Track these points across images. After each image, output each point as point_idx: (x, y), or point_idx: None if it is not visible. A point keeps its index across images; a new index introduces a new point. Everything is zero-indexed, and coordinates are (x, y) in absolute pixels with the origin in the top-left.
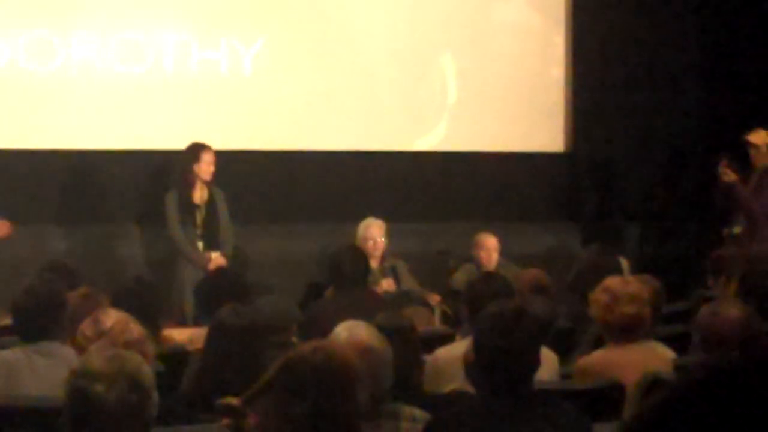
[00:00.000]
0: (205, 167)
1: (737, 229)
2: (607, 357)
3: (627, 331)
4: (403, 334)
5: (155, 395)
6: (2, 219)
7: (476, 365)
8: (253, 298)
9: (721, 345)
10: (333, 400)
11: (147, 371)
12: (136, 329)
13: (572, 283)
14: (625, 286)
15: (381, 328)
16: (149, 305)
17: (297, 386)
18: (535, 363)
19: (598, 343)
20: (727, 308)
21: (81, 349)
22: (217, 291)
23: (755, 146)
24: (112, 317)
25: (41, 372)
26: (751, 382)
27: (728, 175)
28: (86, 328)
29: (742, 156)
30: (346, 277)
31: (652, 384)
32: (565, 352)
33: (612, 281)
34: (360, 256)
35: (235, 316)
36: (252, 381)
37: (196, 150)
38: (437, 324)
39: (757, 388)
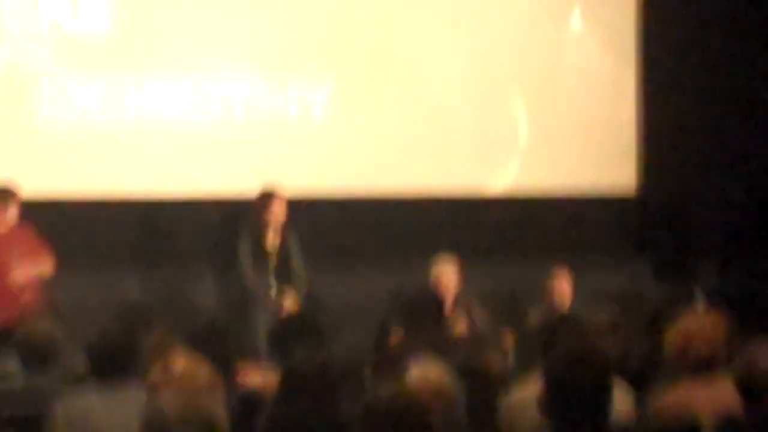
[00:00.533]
0: (276, 213)
1: None
2: (681, 395)
3: (702, 369)
4: (478, 376)
5: None
6: (48, 256)
7: (549, 405)
8: (326, 342)
9: (757, 390)
10: None
11: (221, 415)
12: (205, 373)
13: (646, 321)
14: (700, 324)
15: (456, 370)
16: (223, 348)
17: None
18: (608, 402)
19: (673, 382)
20: (763, 354)
21: (152, 392)
22: (290, 335)
23: None
24: (182, 360)
25: (117, 415)
26: None
27: None
28: (156, 371)
29: None
30: (419, 319)
31: (727, 424)
32: (640, 392)
33: (687, 319)
34: (433, 297)
35: (308, 360)
36: (326, 424)
37: (267, 197)
38: (512, 366)
39: None
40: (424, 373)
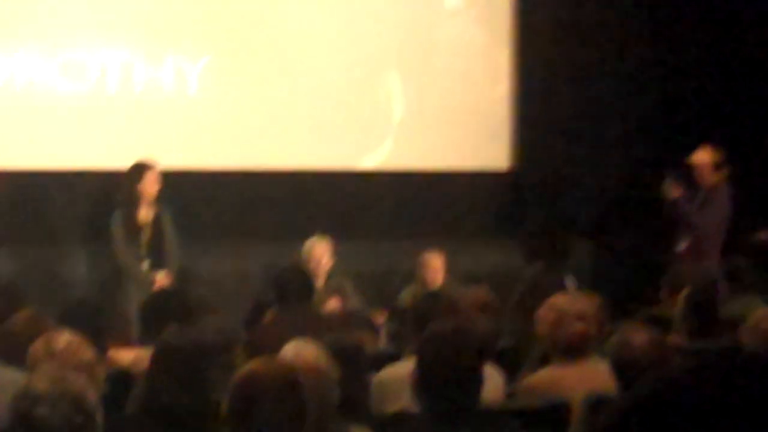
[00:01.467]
0: (149, 186)
1: (680, 247)
2: (552, 375)
3: (573, 349)
4: (350, 353)
5: (100, 417)
6: None
7: (420, 384)
8: (197, 318)
9: (631, 370)
10: (284, 418)
11: (91, 393)
12: (87, 351)
13: (517, 301)
14: (571, 303)
15: (328, 348)
16: (94, 326)
17: (248, 405)
18: (478, 381)
19: (543, 362)
20: (635, 334)
21: (32, 370)
22: (160, 311)
23: (701, 165)
24: (64, 338)
25: None
26: (665, 405)
27: (673, 192)
28: (37, 348)
29: (689, 173)
30: (289, 297)
31: (597, 403)
32: (511, 371)
33: (558, 299)
34: (303, 275)
35: (178, 337)
36: (197, 402)
37: (139, 169)
38: (383, 344)
39: (670, 410)
40: (297, 350)
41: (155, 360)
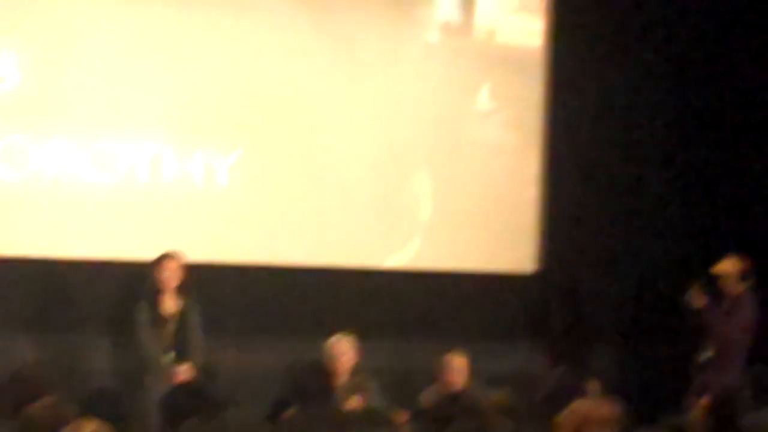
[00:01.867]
0: (168, 275)
1: (704, 356)
2: None
3: None
4: None
5: None
6: None
7: None
8: (219, 412)
9: None
10: None
11: None
12: None
13: (538, 404)
14: (594, 408)
15: None
16: (115, 417)
17: None
18: None
19: None
20: None
21: None
22: (182, 404)
23: (726, 275)
24: (91, 427)
25: None
26: None
27: (697, 300)
28: None
29: (714, 281)
30: (308, 395)
31: None
32: None
33: (580, 404)
34: (322, 372)
35: (199, 429)
36: None
37: (161, 260)
38: None
39: None
40: None
41: None
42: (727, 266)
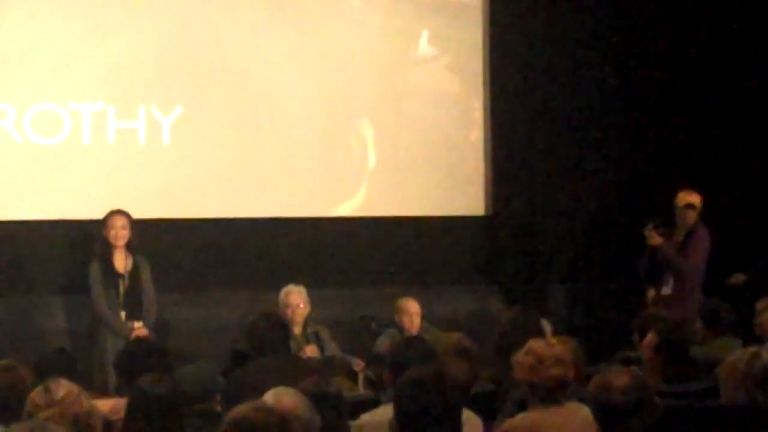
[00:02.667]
0: (115, 232)
1: (666, 290)
2: (531, 420)
3: (551, 393)
4: (329, 400)
5: None
6: None
7: (399, 426)
8: (174, 367)
9: (612, 412)
10: None
11: None
12: (85, 402)
13: (495, 344)
14: (549, 348)
15: (307, 395)
16: (70, 376)
17: None
18: (456, 427)
19: (522, 406)
20: (616, 376)
21: (30, 418)
22: (137, 361)
23: (686, 207)
24: (63, 388)
25: None
26: None
27: (655, 239)
28: (36, 397)
29: (665, 219)
30: (265, 346)
31: None
32: (488, 416)
33: (536, 343)
34: (277, 323)
35: (154, 385)
36: None
37: (106, 217)
38: (361, 390)
39: None
40: (278, 397)
41: (131, 408)
42: (694, 199)
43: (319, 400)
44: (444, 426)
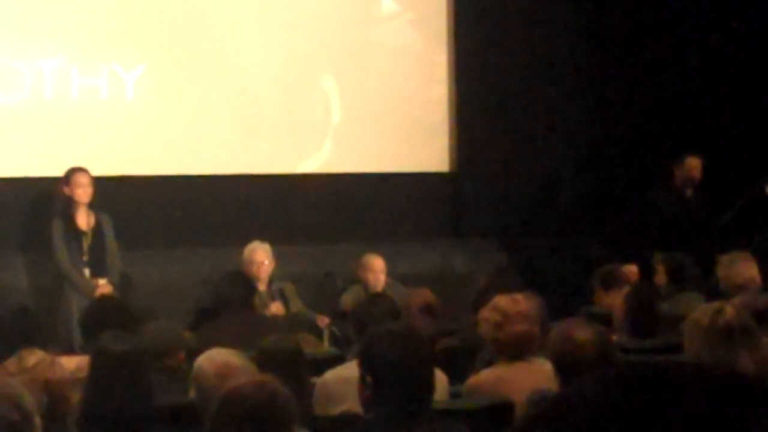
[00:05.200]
0: (78, 190)
1: None
2: (497, 375)
3: (517, 349)
4: (290, 356)
5: (38, 420)
6: None
7: (369, 386)
8: (139, 324)
9: (573, 366)
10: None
11: (28, 397)
12: (59, 370)
13: (473, 304)
14: (514, 304)
15: (267, 352)
16: (32, 334)
17: (236, 421)
18: (430, 383)
19: (491, 363)
20: (577, 330)
21: None
22: (101, 318)
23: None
24: (36, 356)
25: None
26: (601, 407)
27: None
28: (10, 364)
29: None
30: (231, 302)
31: (539, 401)
32: (456, 372)
33: (501, 299)
34: (242, 280)
35: (116, 341)
36: (136, 406)
37: (68, 174)
38: (326, 346)
39: (607, 413)
40: (209, 357)
41: (96, 365)
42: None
43: (281, 356)
44: (418, 382)
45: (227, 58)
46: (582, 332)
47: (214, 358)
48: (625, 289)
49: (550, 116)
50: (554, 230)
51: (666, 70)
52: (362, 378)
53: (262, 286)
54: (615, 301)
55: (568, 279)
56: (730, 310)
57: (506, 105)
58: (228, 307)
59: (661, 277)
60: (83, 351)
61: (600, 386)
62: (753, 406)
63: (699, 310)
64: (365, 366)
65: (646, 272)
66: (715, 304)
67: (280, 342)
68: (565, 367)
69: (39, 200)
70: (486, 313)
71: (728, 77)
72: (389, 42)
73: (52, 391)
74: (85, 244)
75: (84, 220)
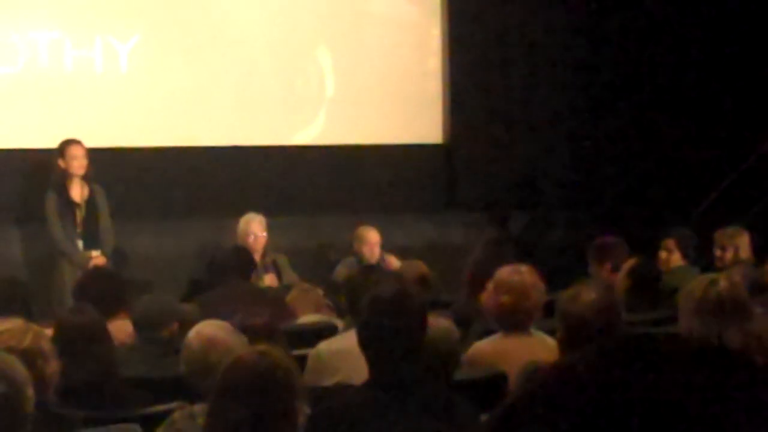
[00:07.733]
0: (73, 162)
1: None
2: (494, 347)
3: (514, 321)
4: (264, 332)
5: (30, 391)
6: None
7: (364, 349)
8: (133, 296)
9: (580, 329)
10: (274, 405)
11: (20, 369)
12: (30, 337)
13: (469, 274)
14: (511, 276)
15: (242, 329)
16: (23, 306)
17: (239, 392)
18: (419, 346)
19: (483, 335)
20: (586, 292)
21: None
22: (94, 290)
23: None
24: (6, 324)
25: None
26: (603, 376)
27: None
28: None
29: None
30: (231, 273)
31: (533, 374)
32: None
33: (501, 272)
34: (244, 252)
35: (76, 315)
36: (101, 377)
37: (63, 146)
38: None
39: (610, 383)
40: (198, 330)
41: (55, 337)
42: None
43: (254, 331)
44: (407, 344)
45: (221, 30)
46: (589, 294)
47: (201, 331)
48: (620, 263)
49: (544, 87)
50: (548, 202)
51: (660, 42)
52: (360, 342)
53: (256, 258)
54: (609, 274)
55: (562, 251)
56: (723, 282)
57: (500, 77)
58: (221, 278)
59: (664, 253)
60: None
61: (594, 360)
62: (732, 380)
63: (694, 282)
64: (359, 329)
65: (647, 247)
66: (710, 276)
67: (252, 318)
68: (570, 328)
69: (34, 172)
70: (488, 283)
71: (727, 72)
72: (384, 14)
73: (30, 361)
74: (79, 216)
75: (78, 192)
